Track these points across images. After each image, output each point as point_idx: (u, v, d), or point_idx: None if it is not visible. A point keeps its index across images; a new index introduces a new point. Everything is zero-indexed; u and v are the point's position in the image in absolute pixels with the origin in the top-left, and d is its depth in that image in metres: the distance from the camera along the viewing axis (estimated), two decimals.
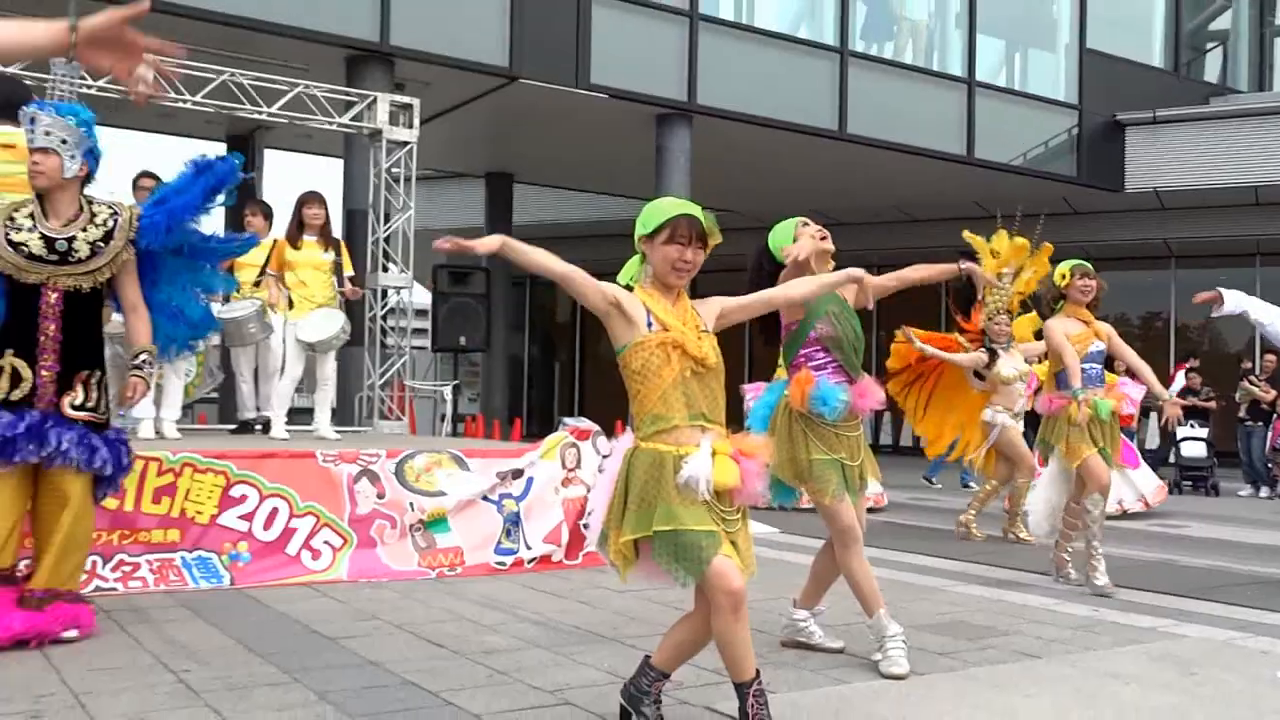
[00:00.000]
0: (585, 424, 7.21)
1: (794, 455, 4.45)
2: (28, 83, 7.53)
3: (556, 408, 25.24)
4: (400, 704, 3.77)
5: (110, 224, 4.74)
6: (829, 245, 4.59)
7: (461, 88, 13.47)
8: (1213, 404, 15.38)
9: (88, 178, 4.81)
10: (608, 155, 16.80)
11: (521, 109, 14.30)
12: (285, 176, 17.71)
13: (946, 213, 18.38)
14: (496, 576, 6.39)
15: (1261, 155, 17.22)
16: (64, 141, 4.63)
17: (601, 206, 21.41)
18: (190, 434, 8.19)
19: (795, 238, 4.46)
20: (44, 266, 4.60)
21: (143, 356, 4.83)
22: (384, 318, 10.38)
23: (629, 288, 3.40)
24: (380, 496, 6.34)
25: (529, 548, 6.67)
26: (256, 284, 8.08)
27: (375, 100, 10.25)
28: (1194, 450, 14.77)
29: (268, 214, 8.47)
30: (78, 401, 4.63)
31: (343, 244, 8.47)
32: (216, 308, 6.52)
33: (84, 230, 4.68)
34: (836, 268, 4.32)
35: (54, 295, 4.62)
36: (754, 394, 8.20)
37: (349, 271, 8.37)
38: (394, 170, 10.37)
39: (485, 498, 6.64)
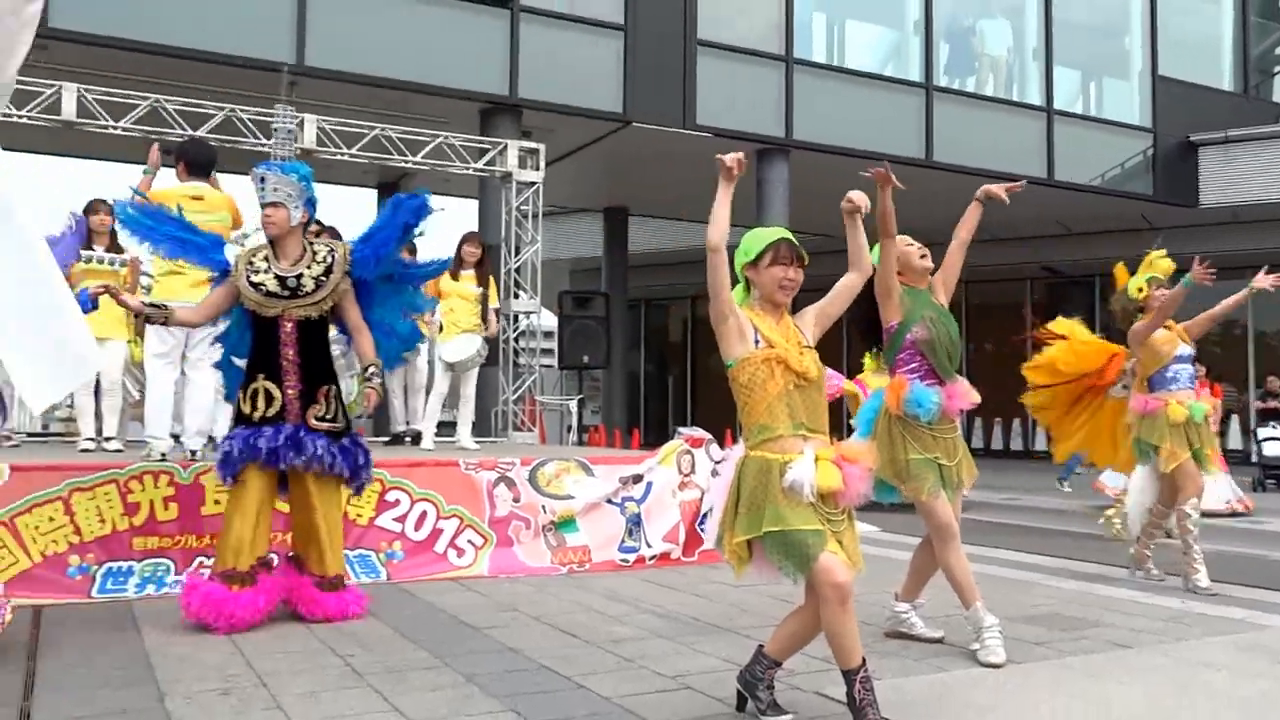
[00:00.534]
0: (699, 432, 7.17)
1: (894, 456, 4.36)
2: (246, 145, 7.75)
3: (670, 418, 25.24)
4: (537, 687, 3.79)
5: (329, 260, 4.95)
6: (928, 263, 4.54)
7: (581, 133, 13.65)
8: None
9: (309, 222, 5.08)
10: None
11: (635, 149, 14.41)
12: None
13: (1028, 231, 17.98)
14: (620, 572, 6.39)
15: None
16: (289, 195, 4.89)
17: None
18: None
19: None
20: (279, 301, 4.85)
21: (371, 369, 5.02)
22: (516, 340, 10.51)
23: None
24: (516, 500, 6.40)
25: (650, 546, 6.66)
26: None
27: (506, 147, 10.41)
28: (1275, 450, 14.41)
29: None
30: (321, 413, 4.87)
31: (492, 280, 8.46)
32: None
33: (309, 268, 4.91)
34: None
35: (289, 325, 4.86)
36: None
37: (494, 304, 8.31)
38: (523, 208, 10.51)
39: (609, 500, 6.66)
